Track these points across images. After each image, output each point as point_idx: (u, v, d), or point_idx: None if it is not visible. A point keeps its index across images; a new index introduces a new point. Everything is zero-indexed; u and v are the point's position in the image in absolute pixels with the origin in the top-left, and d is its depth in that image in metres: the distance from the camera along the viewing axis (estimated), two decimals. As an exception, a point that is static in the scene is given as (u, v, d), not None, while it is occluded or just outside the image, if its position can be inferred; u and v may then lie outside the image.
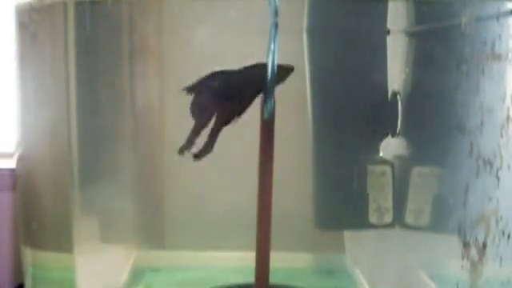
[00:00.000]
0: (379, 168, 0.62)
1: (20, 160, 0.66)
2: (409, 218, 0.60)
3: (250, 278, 0.53)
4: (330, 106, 0.63)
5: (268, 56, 0.46)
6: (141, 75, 0.67)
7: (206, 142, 0.49)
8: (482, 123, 0.53)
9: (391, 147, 0.62)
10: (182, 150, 0.49)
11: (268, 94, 0.48)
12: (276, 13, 0.46)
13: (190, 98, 0.48)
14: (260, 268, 0.52)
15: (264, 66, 0.48)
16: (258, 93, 0.49)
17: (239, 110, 0.49)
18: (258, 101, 0.49)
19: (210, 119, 0.49)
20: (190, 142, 0.49)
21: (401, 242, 0.63)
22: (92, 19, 0.61)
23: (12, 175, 0.70)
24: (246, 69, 0.49)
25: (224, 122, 0.49)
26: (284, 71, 0.52)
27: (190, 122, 0.49)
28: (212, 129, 0.49)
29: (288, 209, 0.57)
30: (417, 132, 0.61)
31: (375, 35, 0.61)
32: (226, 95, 0.48)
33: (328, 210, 0.65)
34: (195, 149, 0.49)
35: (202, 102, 0.49)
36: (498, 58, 0.52)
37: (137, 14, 0.65)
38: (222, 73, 0.49)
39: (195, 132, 0.49)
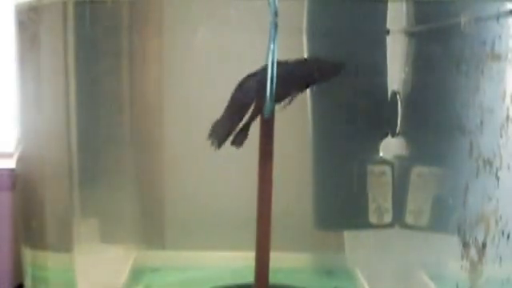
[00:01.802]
0: (379, 168, 0.62)
1: (20, 160, 0.66)
2: (409, 218, 0.60)
3: (250, 278, 0.53)
4: (330, 105, 0.63)
5: (268, 56, 0.46)
6: (140, 75, 0.67)
7: (243, 127, 0.49)
8: (481, 123, 0.53)
9: (391, 147, 0.62)
10: (218, 143, 0.48)
11: (268, 94, 0.48)
12: (276, 13, 0.46)
13: (189, 99, 0.47)
14: (260, 268, 0.52)
15: (312, 62, 0.46)
16: (300, 88, 0.49)
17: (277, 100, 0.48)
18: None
19: (249, 106, 0.48)
20: (228, 132, 0.48)
21: (401, 242, 0.63)
22: (92, 19, 0.61)
23: (12, 175, 0.70)
24: (297, 62, 0.49)
25: (260, 110, 0.48)
26: (332, 68, 0.52)
27: (190, 122, 0.49)
28: (250, 115, 0.49)
29: (288, 209, 0.57)
30: (417, 132, 0.61)
31: (375, 35, 0.61)
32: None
33: (328, 209, 0.65)
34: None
35: (245, 88, 0.49)
36: (497, 58, 0.52)
37: (137, 14, 0.65)
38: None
39: (233, 122, 0.49)
